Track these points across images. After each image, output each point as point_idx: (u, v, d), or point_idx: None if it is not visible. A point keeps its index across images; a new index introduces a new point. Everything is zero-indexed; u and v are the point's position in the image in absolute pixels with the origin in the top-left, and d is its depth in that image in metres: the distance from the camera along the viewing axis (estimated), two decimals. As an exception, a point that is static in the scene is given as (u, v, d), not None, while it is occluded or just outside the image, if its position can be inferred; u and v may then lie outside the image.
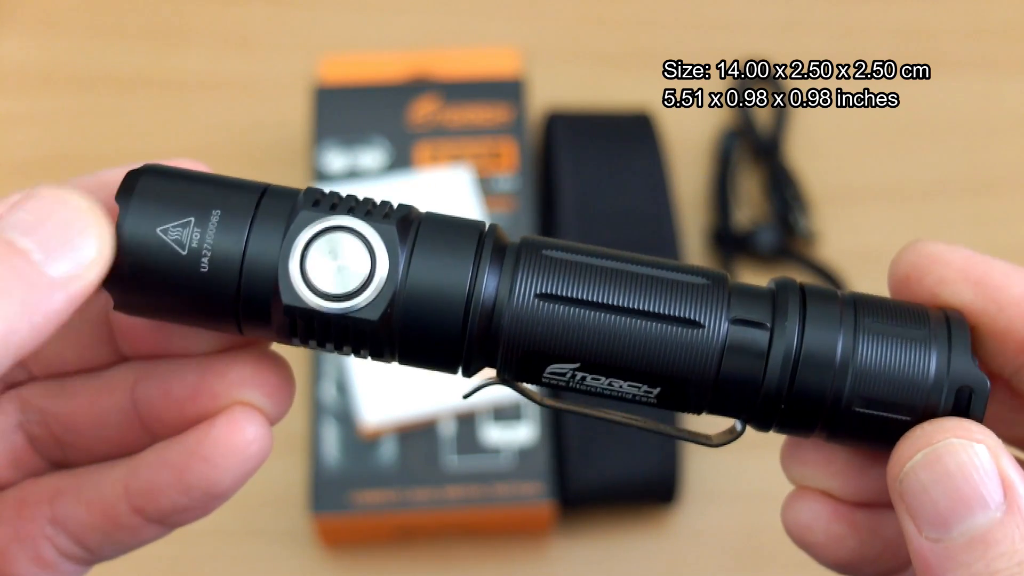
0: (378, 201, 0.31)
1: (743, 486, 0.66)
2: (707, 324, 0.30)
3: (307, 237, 0.30)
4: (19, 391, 0.36)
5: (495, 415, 0.64)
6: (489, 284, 0.30)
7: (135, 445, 0.35)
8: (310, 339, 0.31)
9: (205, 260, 0.30)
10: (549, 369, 0.31)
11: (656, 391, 0.31)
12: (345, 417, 0.64)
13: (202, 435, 0.33)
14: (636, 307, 0.30)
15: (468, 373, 0.32)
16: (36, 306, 0.28)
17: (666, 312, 0.30)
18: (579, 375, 0.31)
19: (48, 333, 0.28)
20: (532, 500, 0.63)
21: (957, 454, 0.29)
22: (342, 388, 0.65)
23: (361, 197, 0.32)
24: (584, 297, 0.30)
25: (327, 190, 0.32)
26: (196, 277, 0.30)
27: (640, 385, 0.31)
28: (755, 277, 0.73)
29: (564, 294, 0.30)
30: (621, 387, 0.31)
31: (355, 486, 0.63)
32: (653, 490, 0.65)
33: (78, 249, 0.29)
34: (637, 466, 0.65)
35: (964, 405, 0.30)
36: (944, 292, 0.32)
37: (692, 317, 0.30)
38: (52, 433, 0.36)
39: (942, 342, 0.31)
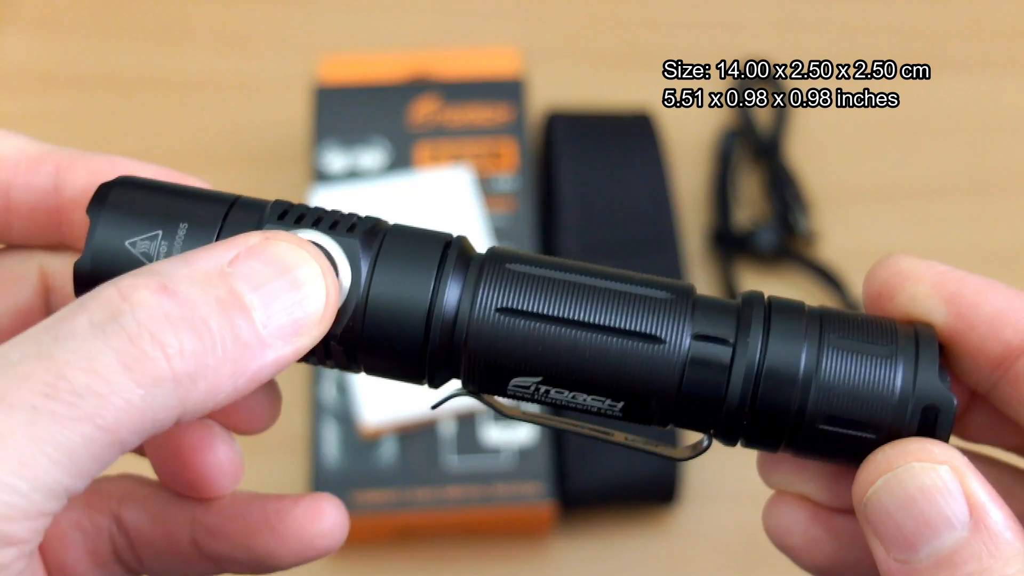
0: (345, 212, 0.31)
1: (743, 486, 0.66)
2: (668, 340, 0.30)
3: None
4: None
5: (495, 415, 0.64)
6: (451, 297, 0.30)
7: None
8: None
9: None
10: (513, 382, 0.31)
11: (620, 405, 0.31)
12: (345, 417, 0.64)
13: (282, 508, 0.34)
14: (597, 322, 0.30)
15: (435, 384, 0.32)
16: (245, 368, 0.27)
17: (627, 327, 0.30)
18: (543, 388, 0.31)
19: (247, 392, 0.28)
20: (532, 500, 0.63)
21: (919, 477, 0.29)
22: (342, 388, 0.65)
23: (328, 209, 0.31)
24: (545, 312, 0.30)
25: (295, 203, 0.32)
26: None
27: (603, 399, 0.30)
28: (755, 277, 0.73)
29: (524, 308, 0.30)
30: (585, 400, 0.31)
31: (355, 486, 0.63)
32: (653, 490, 0.65)
33: (301, 322, 0.28)
34: (637, 466, 0.65)
35: (931, 423, 0.30)
36: (916, 310, 0.32)
37: (653, 332, 0.30)
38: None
39: (909, 358, 0.30)
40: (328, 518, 0.34)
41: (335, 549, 0.34)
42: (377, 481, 0.63)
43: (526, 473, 0.63)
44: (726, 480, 0.67)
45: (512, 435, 0.64)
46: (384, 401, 0.64)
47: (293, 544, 0.33)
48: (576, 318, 0.30)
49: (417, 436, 0.64)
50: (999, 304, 0.31)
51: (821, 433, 0.30)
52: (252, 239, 0.29)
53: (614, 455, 0.65)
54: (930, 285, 0.31)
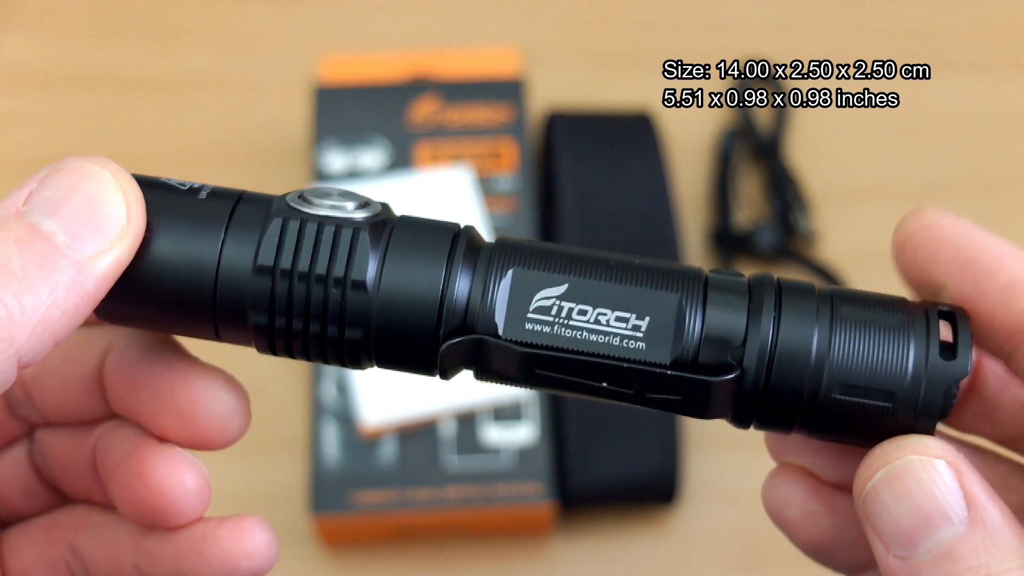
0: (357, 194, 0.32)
1: (743, 486, 0.66)
2: (689, 273, 0.31)
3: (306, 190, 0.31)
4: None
5: (495, 415, 0.64)
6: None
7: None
8: (290, 284, 0.30)
9: (204, 192, 0.31)
10: (535, 300, 0.30)
11: (644, 323, 0.30)
12: (345, 417, 0.64)
13: (207, 530, 0.33)
14: (621, 272, 0.31)
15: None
16: (67, 293, 0.27)
17: (649, 273, 0.31)
18: (565, 308, 0.30)
19: (85, 314, 0.28)
20: (532, 500, 0.63)
21: (916, 472, 0.29)
22: (342, 388, 0.65)
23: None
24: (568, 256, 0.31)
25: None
26: (194, 204, 0.30)
27: (628, 316, 0.30)
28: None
29: (546, 248, 0.31)
30: (608, 322, 0.30)
31: (355, 486, 0.63)
32: (653, 490, 0.65)
33: (105, 223, 0.28)
34: (637, 466, 0.65)
35: (949, 358, 0.30)
36: (932, 269, 0.31)
37: (677, 268, 0.31)
38: (49, 468, 0.36)
39: (920, 328, 0.30)
40: (252, 539, 0.33)
41: (263, 571, 0.33)
42: (377, 481, 0.63)
43: (526, 473, 0.63)
44: (726, 480, 0.67)
45: (512, 435, 0.64)
46: (384, 401, 0.64)
47: (218, 566, 0.33)
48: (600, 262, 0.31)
49: (417, 436, 0.64)
50: (1016, 273, 0.30)
51: (836, 405, 0.30)
52: (43, 171, 0.29)
53: (614, 455, 0.65)
54: (951, 245, 0.31)
